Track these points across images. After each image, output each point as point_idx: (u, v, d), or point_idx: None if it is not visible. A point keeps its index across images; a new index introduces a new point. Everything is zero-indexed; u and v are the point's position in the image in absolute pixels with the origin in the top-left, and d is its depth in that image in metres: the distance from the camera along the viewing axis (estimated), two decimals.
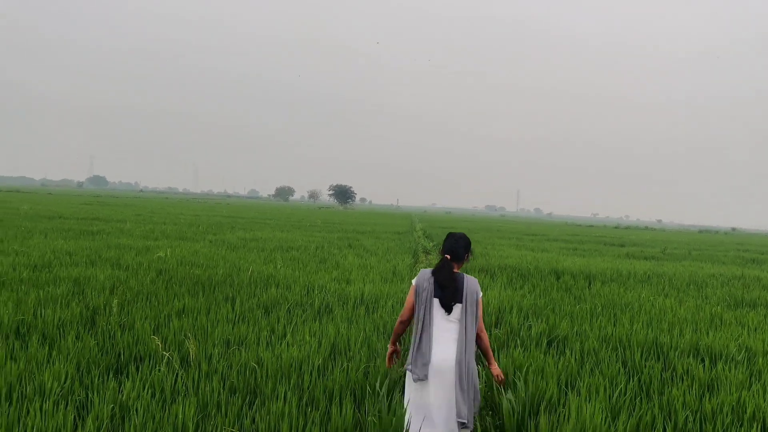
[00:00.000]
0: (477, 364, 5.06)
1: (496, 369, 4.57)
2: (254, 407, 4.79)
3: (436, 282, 4.27)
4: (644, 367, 6.25)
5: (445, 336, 4.16)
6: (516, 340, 7.26)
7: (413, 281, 4.41)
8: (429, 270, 4.40)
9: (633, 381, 5.71)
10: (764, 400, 5.27)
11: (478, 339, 4.46)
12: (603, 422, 4.33)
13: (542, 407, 4.76)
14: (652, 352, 7.01)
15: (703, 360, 6.88)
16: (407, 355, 4.61)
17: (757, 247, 45.93)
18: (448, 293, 4.20)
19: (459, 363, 4.08)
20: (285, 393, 5.04)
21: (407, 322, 4.53)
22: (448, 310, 4.20)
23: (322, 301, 9.65)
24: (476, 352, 4.71)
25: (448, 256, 4.36)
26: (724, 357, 6.97)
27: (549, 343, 7.41)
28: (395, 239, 28.70)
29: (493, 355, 5.20)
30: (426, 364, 4.11)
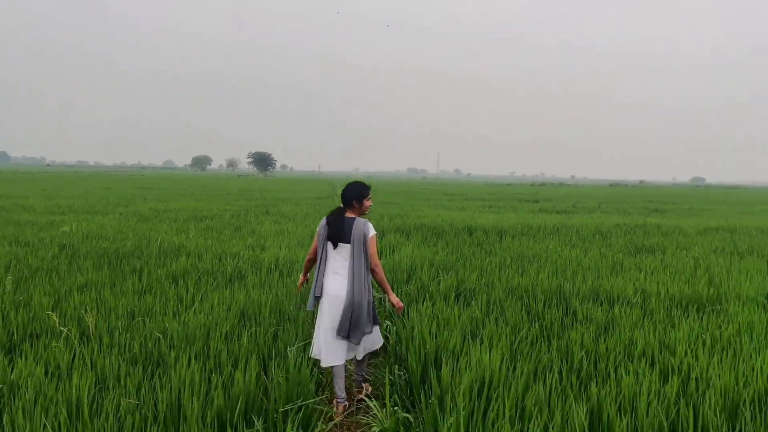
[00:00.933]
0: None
1: (393, 298, 5.09)
2: (155, 377, 4.66)
3: (327, 225, 5.05)
4: (546, 313, 6.48)
5: (338, 270, 4.96)
6: (425, 295, 7.37)
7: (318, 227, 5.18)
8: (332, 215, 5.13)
9: (535, 327, 5.91)
10: (654, 337, 5.57)
11: (373, 273, 5.05)
12: (501, 367, 4.46)
13: (445, 357, 4.86)
14: (555, 299, 7.27)
15: (602, 303, 7.20)
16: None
17: (661, 198, 48.49)
18: (332, 232, 4.98)
19: (348, 293, 4.85)
20: (189, 360, 4.93)
21: (314, 260, 5.33)
22: (335, 247, 4.99)
23: (234, 268, 9.49)
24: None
25: (342, 205, 5.14)
26: (621, 300, 7.32)
27: (457, 296, 7.57)
28: (315, 204, 28.54)
29: (404, 308, 5.41)
30: (321, 292, 4.98)
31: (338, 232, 4.95)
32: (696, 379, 4.46)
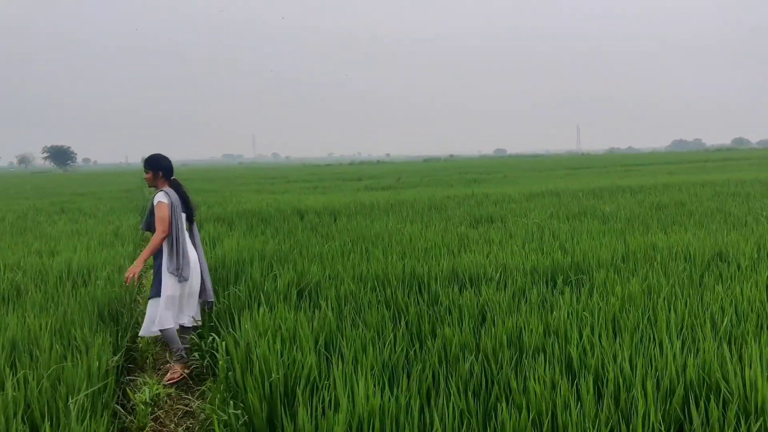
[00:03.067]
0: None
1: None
2: None
3: (180, 199, 5.50)
4: (409, 305, 5.40)
5: (188, 241, 5.51)
6: (260, 297, 5.97)
7: (165, 200, 5.32)
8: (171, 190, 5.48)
9: (401, 326, 4.79)
10: (540, 323, 4.68)
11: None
12: (380, 397, 3.24)
13: (299, 388, 3.55)
14: (413, 286, 6.23)
15: (464, 285, 6.28)
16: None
17: (472, 169, 50.44)
18: (187, 206, 5.61)
19: (202, 261, 5.61)
20: None
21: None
22: (189, 221, 5.65)
23: (9, 283, 7.41)
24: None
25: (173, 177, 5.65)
26: (484, 279, 6.47)
27: (300, 294, 6.27)
28: (122, 198, 25.54)
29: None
30: (189, 264, 5.35)
31: (190, 204, 5.65)
32: (619, 381, 3.55)
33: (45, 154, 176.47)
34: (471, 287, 6.11)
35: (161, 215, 5.25)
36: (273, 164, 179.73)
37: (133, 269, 5.14)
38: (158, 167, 5.50)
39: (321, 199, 18.65)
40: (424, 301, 5.64)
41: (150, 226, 5.44)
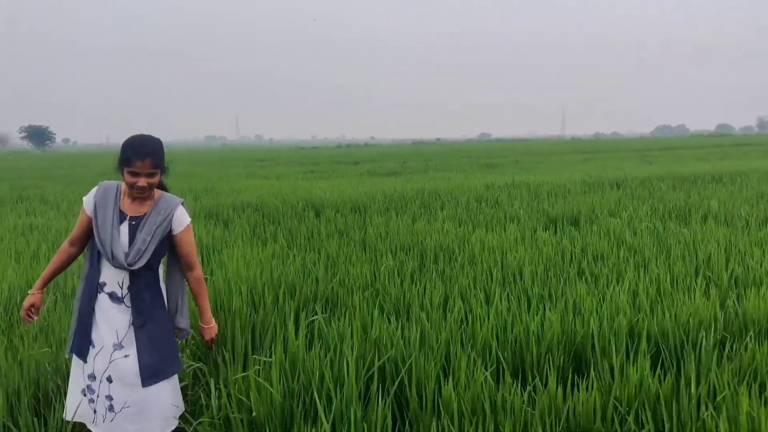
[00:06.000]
0: None
1: None
2: None
3: None
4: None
5: None
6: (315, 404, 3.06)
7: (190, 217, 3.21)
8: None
9: None
10: None
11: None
12: None
13: None
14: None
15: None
16: None
17: (473, 153, 47.52)
18: None
19: None
20: None
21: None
22: None
23: None
24: None
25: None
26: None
27: (382, 383, 3.37)
28: (95, 183, 22.33)
29: None
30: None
31: None
32: None
33: (22, 134, 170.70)
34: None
35: (192, 241, 3.22)
36: (257, 146, 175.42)
37: (213, 329, 3.34)
38: (164, 161, 3.10)
39: (328, 187, 15.67)
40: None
41: (157, 262, 3.13)
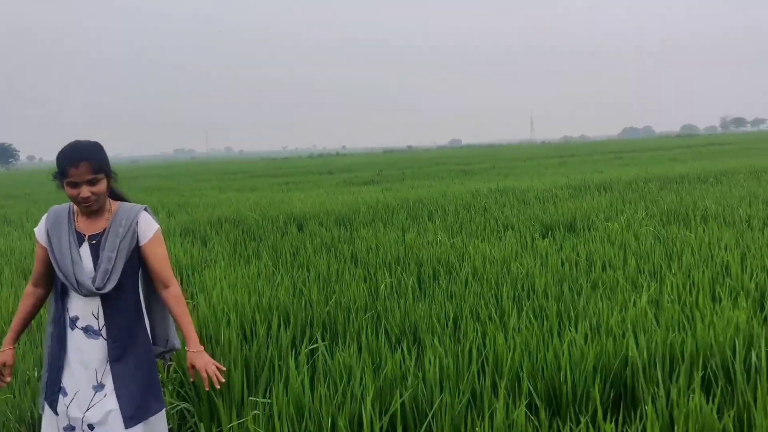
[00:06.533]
0: None
1: None
2: None
3: None
4: None
5: None
6: None
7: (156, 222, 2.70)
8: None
9: None
10: None
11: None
12: None
13: None
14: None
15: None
16: None
17: (447, 160, 47.19)
18: None
19: None
20: None
21: None
22: None
23: None
24: None
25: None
26: None
27: None
28: (59, 200, 21.56)
29: None
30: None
31: None
32: None
33: None
34: None
35: (163, 252, 2.71)
36: (228, 158, 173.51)
37: (208, 361, 2.59)
38: (108, 165, 2.63)
39: (307, 199, 15.17)
40: None
41: (132, 282, 2.68)
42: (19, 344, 2.85)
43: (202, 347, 2.62)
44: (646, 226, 7.93)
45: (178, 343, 2.88)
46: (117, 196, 2.73)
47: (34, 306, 2.75)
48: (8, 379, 2.72)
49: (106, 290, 2.53)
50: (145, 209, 2.69)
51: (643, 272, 5.60)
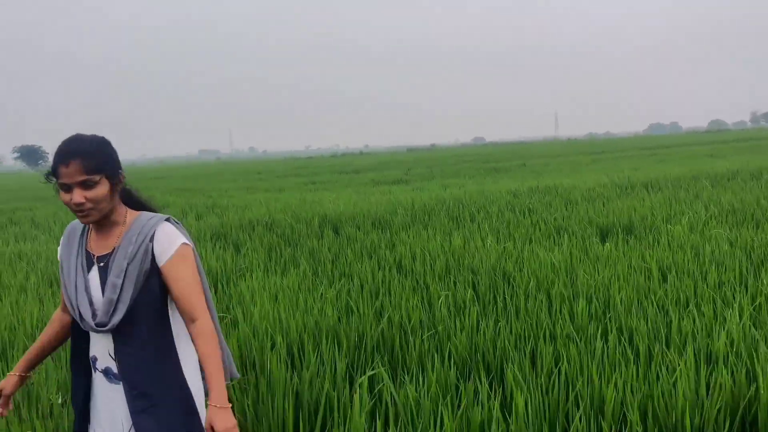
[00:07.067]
0: None
1: None
2: None
3: None
4: None
5: None
6: None
7: (186, 239, 2.10)
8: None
9: None
10: None
11: None
12: None
13: None
14: None
15: None
16: None
17: (476, 157, 46.53)
18: None
19: None
20: None
21: None
22: None
23: None
24: None
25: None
26: None
27: None
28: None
29: None
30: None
31: None
32: None
33: (15, 155, 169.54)
34: None
35: (189, 276, 2.06)
36: (253, 158, 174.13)
37: (231, 426, 1.93)
38: (117, 165, 2.05)
39: (338, 199, 14.68)
40: None
41: (152, 314, 2.10)
42: (31, 376, 2.34)
43: (229, 404, 1.98)
44: (714, 228, 7.29)
45: (236, 371, 2.35)
46: (138, 204, 2.19)
47: (57, 333, 2.25)
48: (4, 412, 2.21)
49: (109, 326, 1.99)
50: (168, 219, 2.12)
51: (728, 283, 5.00)
